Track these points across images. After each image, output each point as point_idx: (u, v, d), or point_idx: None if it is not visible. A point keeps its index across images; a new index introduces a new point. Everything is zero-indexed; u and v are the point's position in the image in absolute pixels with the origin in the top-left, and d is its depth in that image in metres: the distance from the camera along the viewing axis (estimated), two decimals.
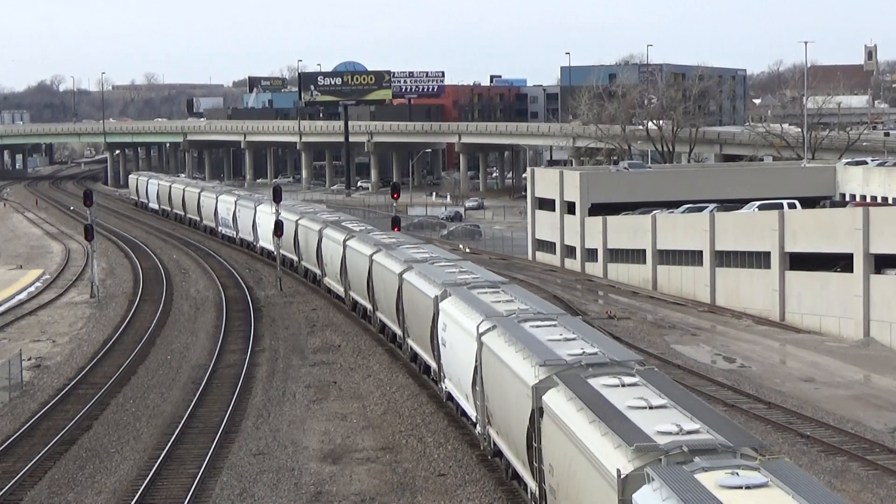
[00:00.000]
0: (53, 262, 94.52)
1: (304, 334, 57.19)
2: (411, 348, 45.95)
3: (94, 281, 73.22)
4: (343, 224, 65.94)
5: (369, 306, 55.45)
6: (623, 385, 24.95)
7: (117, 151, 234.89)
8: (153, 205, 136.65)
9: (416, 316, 43.82)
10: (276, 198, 76.44)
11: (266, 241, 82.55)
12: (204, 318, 62.73)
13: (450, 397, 38.86)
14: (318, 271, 68.80)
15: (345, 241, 60.13)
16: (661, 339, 58.83)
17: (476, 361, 33.28)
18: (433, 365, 41.40)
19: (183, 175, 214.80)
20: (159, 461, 35.46)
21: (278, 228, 75.31)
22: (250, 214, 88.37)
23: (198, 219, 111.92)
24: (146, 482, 33.44)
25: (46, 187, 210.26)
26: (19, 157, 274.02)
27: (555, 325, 31.77)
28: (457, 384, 37.01)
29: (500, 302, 35.91)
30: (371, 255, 53.26)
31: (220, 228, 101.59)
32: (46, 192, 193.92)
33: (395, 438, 37.82)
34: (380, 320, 53.19)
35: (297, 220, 74.47)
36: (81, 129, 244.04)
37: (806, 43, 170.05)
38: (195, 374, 48.44)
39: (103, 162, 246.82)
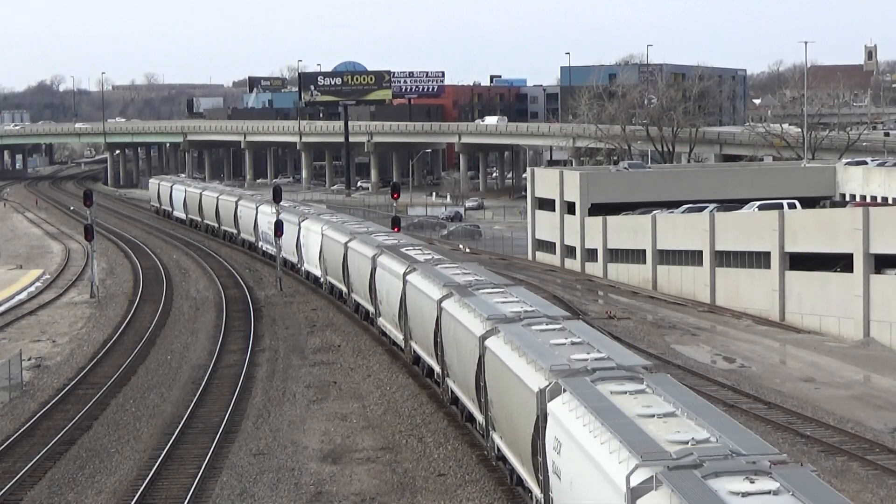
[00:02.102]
0: (53, 262, 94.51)
1: (304, 334, 57.19)
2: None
3: (94, 281, 73.22)
4: (401, 251, 51.13)
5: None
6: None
7: (117, 151, 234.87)
8: (179, 213, 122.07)
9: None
10: (276, 198, 76.51)
11: (312, 265, 70.98)
12: (204, 318, 62.73)
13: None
14: (371, 307, 55.17)
15: (404, 275, 46.69)
16: (661, 339, 58.83)
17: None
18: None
19: (181, 175, 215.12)
20: (159, 461, 35.45)
21: (278, 228, 75.31)
22: (293, 231, 74.98)
23: (234, 231, 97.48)
24: (146, 482, 33.43)
25: (46, 187, 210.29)
26: (19, 157, 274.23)
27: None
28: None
29: (565, 344, 29.48)
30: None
31: (260, 244, 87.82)
32: (46, 192, 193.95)
33: (395, 438, 37.82)
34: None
35: (345, 243, 60.66)
36: (81, 129, 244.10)
37: (806, 43, 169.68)
38: (195, 374, 48.43)
39: (103, 162, 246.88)
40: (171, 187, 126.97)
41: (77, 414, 41.87)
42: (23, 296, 75.38)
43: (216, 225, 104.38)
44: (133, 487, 33.36)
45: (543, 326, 31.45)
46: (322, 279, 68.77)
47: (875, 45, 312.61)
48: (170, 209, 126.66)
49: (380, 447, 36.95)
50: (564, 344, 29.05)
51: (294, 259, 76.18)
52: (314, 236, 69.40)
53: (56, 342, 57.75)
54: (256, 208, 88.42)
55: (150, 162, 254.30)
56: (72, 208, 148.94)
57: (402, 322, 46.78)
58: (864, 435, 39.74)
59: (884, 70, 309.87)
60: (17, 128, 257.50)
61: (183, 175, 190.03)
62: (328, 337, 56.05)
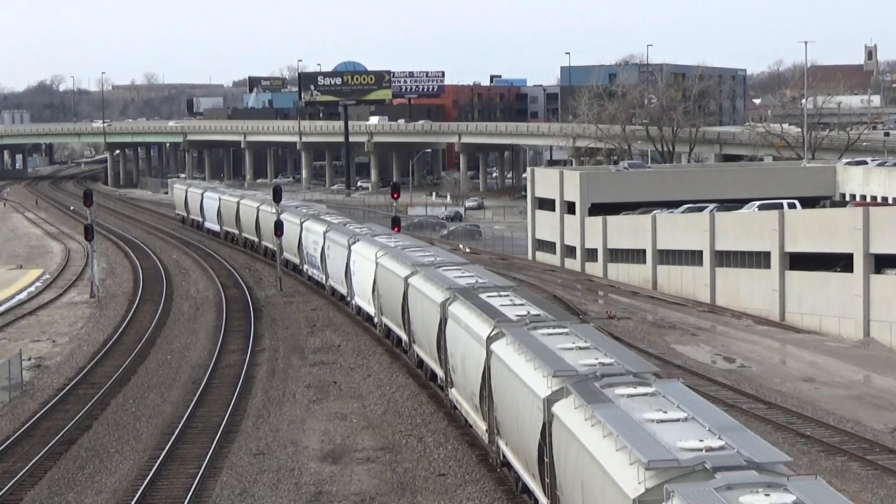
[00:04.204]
0: (53, 262, 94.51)
1: (304, 334, 57.20)
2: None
3: (94, 281, 73.21)
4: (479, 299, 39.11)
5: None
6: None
7: (117, 151, 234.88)
8: (211, 225, 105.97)
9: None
10: (276, 198, 76.51)
11: (364, 298, 57.05)
12: (204, 318, 62.73)
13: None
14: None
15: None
16: (661, 339, 58.83)
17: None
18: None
19: (180, 174, 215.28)
20: (159, 461, 35.46)
21: (278, 228, 75.27)
22: (342, 255, 61.41)
23: (276, 249, 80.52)
24: (146, 482, 33.44)
25: (46, 187, 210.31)
26: (19, 157, 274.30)
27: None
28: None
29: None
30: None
31: (305, 267, 74.16)
32: (46, 192, 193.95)
33: (395, 438, 37.82)
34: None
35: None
36: (81, 129, 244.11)
37: (806, 43, 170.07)
38: (195, 374, 48.44)
39: (103, 162, 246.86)
40: (203, 194, 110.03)
41: (77, 414, 41.87)
42: (23, 296, 75.37)
43: (256, 240, 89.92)
44: (133, 487, 33.37)
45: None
46: (377, 320, 54.22)
47: (875, 45, 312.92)
48: (200, 219, 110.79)
49: (380, 447, 36.95)
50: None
51: (343, 289, 63.01)
52: (366, 264, 55.23)
53: (56, 342, 57.74)
54: (301, 224, 73.97)
55: (150, 162, 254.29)
56: (72, 208, 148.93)
57: (485, 405, 33.43)
58: (864, 435, 39.74)
59: (884, 70, 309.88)
60: (17, 127, 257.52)
61: (191, 177, 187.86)
62: (328, 337, 56.05)
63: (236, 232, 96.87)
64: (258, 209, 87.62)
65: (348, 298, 61.37)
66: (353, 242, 58.78)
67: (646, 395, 23.74)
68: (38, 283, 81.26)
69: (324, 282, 68.42)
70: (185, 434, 38.77)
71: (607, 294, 76.95)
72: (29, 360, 52.31)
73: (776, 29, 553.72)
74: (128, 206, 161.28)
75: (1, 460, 36.56)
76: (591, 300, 72.89)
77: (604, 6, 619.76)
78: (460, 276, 42.37)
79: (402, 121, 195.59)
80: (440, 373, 40.38)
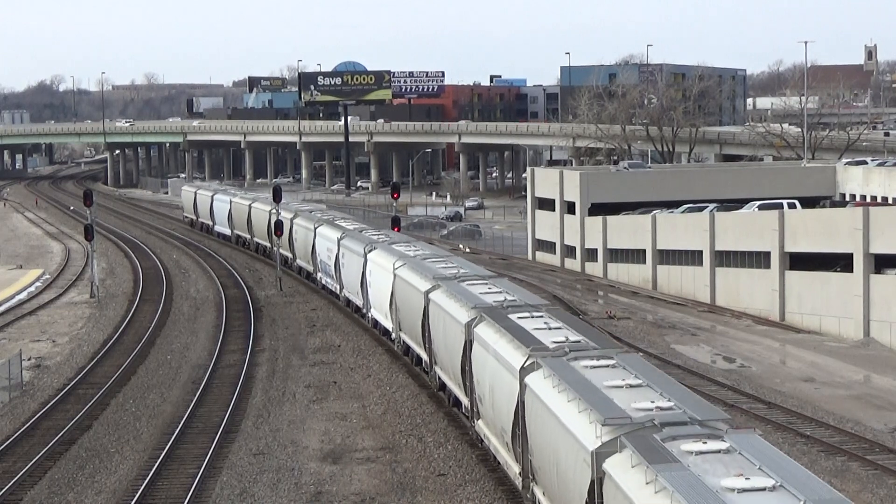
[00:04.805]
0: (53, 262, 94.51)
1: (304, 334, 57.20)
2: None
3: (94, 281, 73.21)
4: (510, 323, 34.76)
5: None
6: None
7: (117, 151, 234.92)
8: (222, 229, 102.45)
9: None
10: (276, 198, 76.45)
11: (380, 312, 52.27)
12: (204, 318, 62.73)
13: None
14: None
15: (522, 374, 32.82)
16: (661, 339, 58.85)
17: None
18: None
19: (180, 174, 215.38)
20: (159, 461, 35.46)
21: (278, 228, 75.23)
22: (357, 264, 56.55)
23: (290, 255, 78.28)
24: (146, 482, 33.44)
25: (46, 187, 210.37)
26: (19, 157, 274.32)
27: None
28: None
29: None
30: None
31: (319, 276, 69.87)
32: (46, 192, 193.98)
33: (395, 438, 37.82)
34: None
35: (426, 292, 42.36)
36: (81, 129, 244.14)
37: (806, 43, 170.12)
38: (195, 374, 48.44)
39: (103, 162, 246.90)
40: (213, 197, 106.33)
41: (77, 414, 41.87)
42: (23, 296, 75.38)
43: (268, 245, 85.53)
44: (133, 487, 33.37)
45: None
46: (394, 336, 49.96)
47: (875, 45, 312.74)
48: (210, 223, 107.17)
49: (380, 447, 36.95)
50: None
51: (358, 301, 58.46)
52: (384, 275, 50.83)
53: (56, 342, 57.75)
54: (314, 229, 69.48)
55: (150, 162, 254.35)
56: (72, 208, 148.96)
57: (518, 445, 29.75)
58: (864, 435, 39.74)
59: (884, 70, 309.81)
60: (17, 127, 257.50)
61: (209, 179, 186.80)
62: (328, 337, 56.06)
63: (248, 236, 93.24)
64: (270, 213, 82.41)
65: (364, 311, 56.90)
66: (370, 251, 54.37)
67: (719, 451, 20.09)
68: (38, 283, 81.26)
69: (338, 292, 63.95)
70: (185, 434, 38.77)
71: (607, 294, 76.97)
72: (29, 360, 52.31)
73: (776, 29, 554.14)
74: (128, 206, 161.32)
75: (1, 460, 36.56)
76: (591, 300, 72.90)
77: (604, 6, 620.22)
78: (487, 293, 38.28)
79: (382, 120, 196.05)
80: (465, 401, 36.30)
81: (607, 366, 26.57)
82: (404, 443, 37.20)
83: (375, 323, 54.39)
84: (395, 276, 47.72)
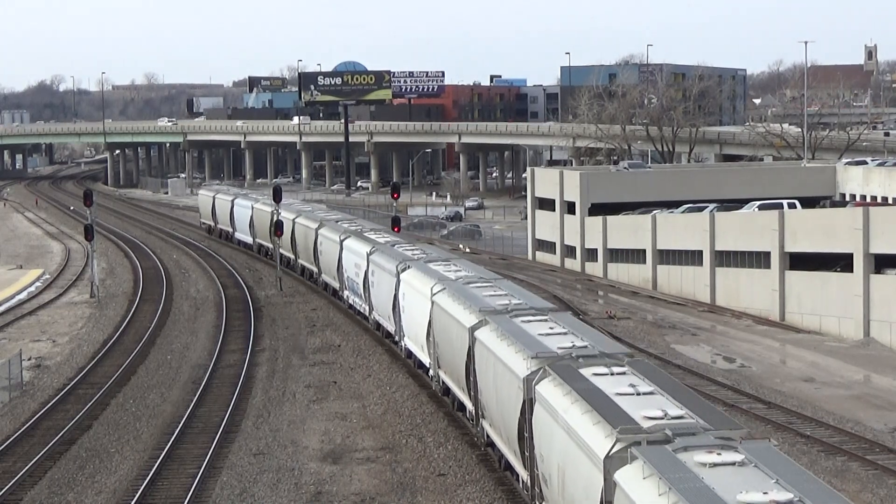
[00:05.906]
0: (53, 262, 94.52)
1: (304, 334, 57.20)
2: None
3: (94, 281, 73.22)
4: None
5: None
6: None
7: (117, 151, 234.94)
8: (243, 236, 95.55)
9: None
10: (276, 198, 76.41)
11: (416, 343, 45.33)
12: (204, 318, 62.73)
13: None
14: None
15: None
16: (661, 339, 58.86)
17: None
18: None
19: (178, 173, 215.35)
20: (159, 461, 35.46)
21: (278, 228, 75.20)
22: (389, 283, 49.62)
23: (314, 270, 71.57)
24: (146, 482, 33.44)
25: (46, 187, 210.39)
26: (19, 157, 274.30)
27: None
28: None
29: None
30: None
31: (346, 294, 61.90)
32: (46, 192, 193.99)
33: (395, 438, 37.82)
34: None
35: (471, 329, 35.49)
36: (81, 129, 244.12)
37: (806, 43, 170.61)
38: (195, 374, 48.44)
39: (103, 162, 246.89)
40: (233, 202, 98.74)
41: (77, 414, 41.87)
42: (23, 296, 75.38)
43: (291, 256, 78.28)
44: (133, 487, 33.37)
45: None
46: (432, 373, 42.86)
47: (875, 45, 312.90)
48: (230, 230, 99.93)
49: (380, 447, 36.95)
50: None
51: (390, 326, 51.23)
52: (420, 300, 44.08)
53: (56, 342, 57.75)
54: (341, 242, 61.89)
55: (150, 162, 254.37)
56: (72, 208, 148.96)
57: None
58: (864, 435, 39.75)
59: (884, 70, 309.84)
60: (17, 127, 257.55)
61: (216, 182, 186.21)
62: (328, 337, 56.06)
63: (270, 245, 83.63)
64: (294, 221, 76.15)
65: (396, 338, 49.64)
66: (403, 269, 47.41)
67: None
68: (38, 283, 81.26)
69: (367, 313, 56.61)
70: (185, 434, 38.77)
71: (607, 294, 76.98)
72: (29, 360, 52.31)
73: (776, 29, 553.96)
74: (128, 206, 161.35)
75: (1, 460, 36.56)
76: (591, 300, 72.91)
77: (604, 6, 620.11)
78: (549, 333, 30.75)
79: (370, 121, 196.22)
80: (524, 475, 29.05)
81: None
82: (404, 443, 37.20)
83: (409, 353, 47.13)
84: (432, 303, 40.86)
